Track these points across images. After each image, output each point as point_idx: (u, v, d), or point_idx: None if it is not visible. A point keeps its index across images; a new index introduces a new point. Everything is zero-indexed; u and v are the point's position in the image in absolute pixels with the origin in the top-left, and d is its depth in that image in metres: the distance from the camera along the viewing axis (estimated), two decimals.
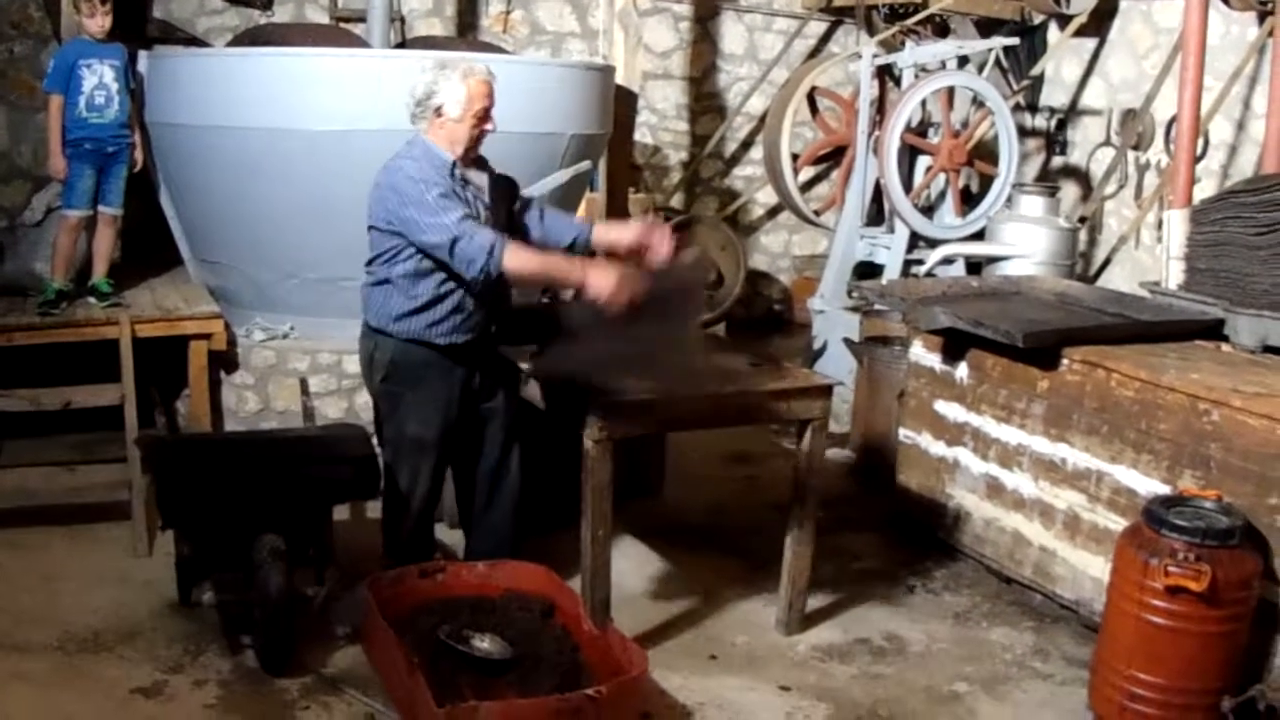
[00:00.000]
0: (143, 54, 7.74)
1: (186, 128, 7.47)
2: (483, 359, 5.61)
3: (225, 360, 7.51)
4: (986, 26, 11.60)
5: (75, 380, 6.98)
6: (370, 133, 6.99)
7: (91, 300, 7.40)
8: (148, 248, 8.40)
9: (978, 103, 10.37)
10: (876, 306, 8.49)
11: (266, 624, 5.33)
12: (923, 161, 10.18)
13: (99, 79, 7.25)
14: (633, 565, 6.43)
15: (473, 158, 5.53)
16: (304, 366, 7.56)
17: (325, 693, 5.22)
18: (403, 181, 5.27)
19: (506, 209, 5.67)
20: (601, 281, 5.08)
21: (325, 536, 5.91)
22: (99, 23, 7.21)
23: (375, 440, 5.93)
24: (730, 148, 12.84)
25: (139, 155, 7.56)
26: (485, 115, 5.40)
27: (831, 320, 9.79)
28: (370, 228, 5.50)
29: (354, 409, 7.48)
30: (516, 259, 5.20)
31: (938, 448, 6.83)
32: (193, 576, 5.87)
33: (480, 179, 5.58)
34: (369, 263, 5.55)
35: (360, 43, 9.08)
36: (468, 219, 5.20)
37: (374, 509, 6.12)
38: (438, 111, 5.35)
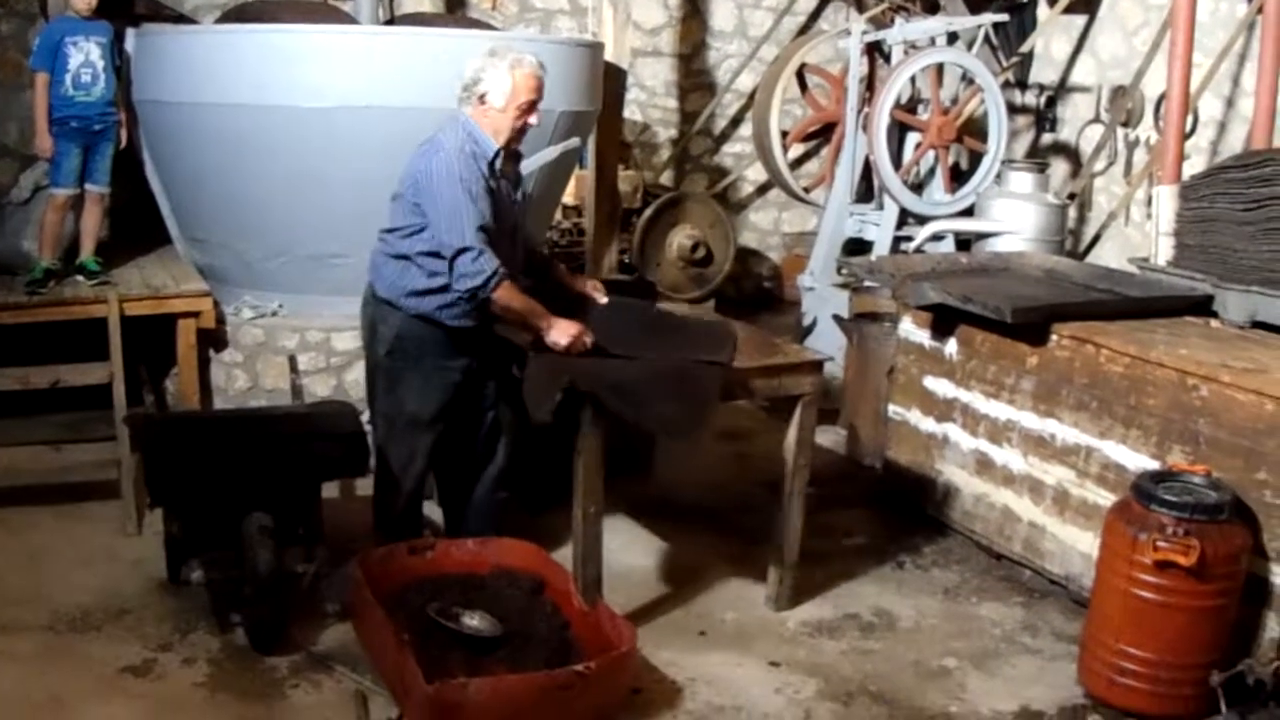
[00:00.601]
0: (130, 32, 7.71)
1: (174, 105, 7.46)
2: (484, 341, 5.60)
3: (214, 338, 7.50)
4: (976, 3, 11.56)
5: (64, 359, 6.96)
6: (358, 109, 7.00)
7: (80, 279, 7.37)
8: (136, 226, 8.37)
9: (967, 79, 10.35)
10: (866, 283, 8.48)
11: (256, 602, 5.33)
12: (912, 138, 10.14)
13: (85, 56, 7.22)
14: (623, 542, 6.43)
15: (514, 149, 5.53)
16: (293, 344, 7.55)
17: (315, 670, 5.22)
18: (440, 167, 5.25)
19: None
20: (560, 335, 5.23)
21: (314, 514, 5.90)
22: (86, 0, 7.18)
23: (365, 417, 5.93)
24: (720, 125, 12.81)
25: (125, 133, 7.53)
26: (530, 108, 5.38)
27: (821, 297, 9.78)
28: (395, 196, 5.49)
29: (343, 386, 7.47)
30: (506, 294, 5.26)
31: (927, 424, 6.84)
32: (182, 555, 5.85)
33: (512, 168, 5.59)
34: (387, 231, 5.54)
35: (349, 19, 9.05)
36: (483, 232, 5.19)
37: (364, 486, 6.14)
38: (482, 99, 5.32)
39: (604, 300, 5.69)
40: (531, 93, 5.32)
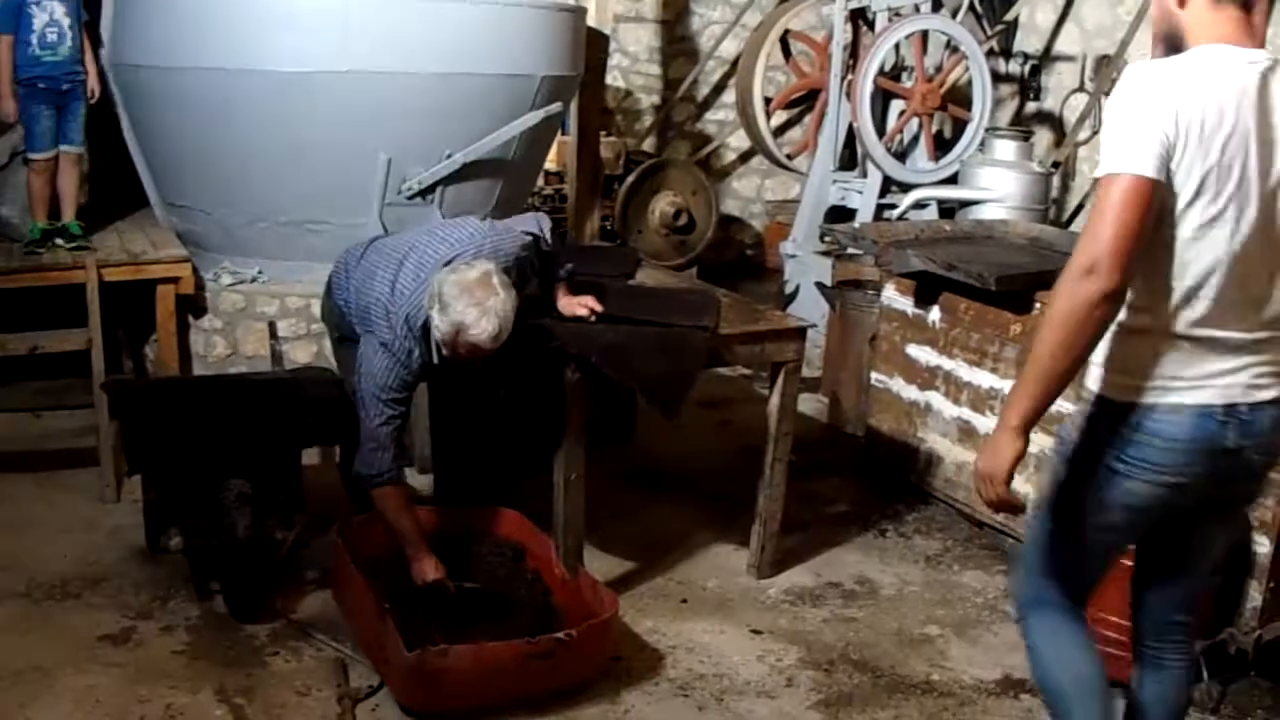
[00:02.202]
0: None
1: (153, 69, 7.38)
2: None
3: (193, 304, 7.44)
4: None
5: (42, 325, 6.91)
6: (338, 74, 6.96)
7: (59, 241, 7.31)
8: (115, 192, 8.31)
9: (951, 47, 10.31)
10: (849, 250, 8.46)
11: (235, 569, 5.31)
12: (896, 106, 10.13)
13: (50, 16, 7.13)
14: (605, 510, 6.41)
15: None
16: (272, 310, 7.50)
17: (294, 638, 5.19)
18: (380, 354, 5.02)
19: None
20: (417, 574, 5.07)
21: (294, 480, 5.87)
22: None
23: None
24: (703, 92, 12.79)
25: (95, 85, 7.44)
26: (464, 358, 4.91)
27: (804, 265, 9.77)
28: (364, 272, 5.22)
29: (323, 353, 7.43)
30: (384, 502, 5.10)
31: (910, 392, 6.81)
32: (161, 522, 5.83)
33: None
34: (360, 260, 5.34)
35: None
36: (391, 425, 5.05)
37: None
38: (430, 312, 4.82)
39: (593, 319, 5.54)
40: (467, 354, 4.85)
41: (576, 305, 5.51)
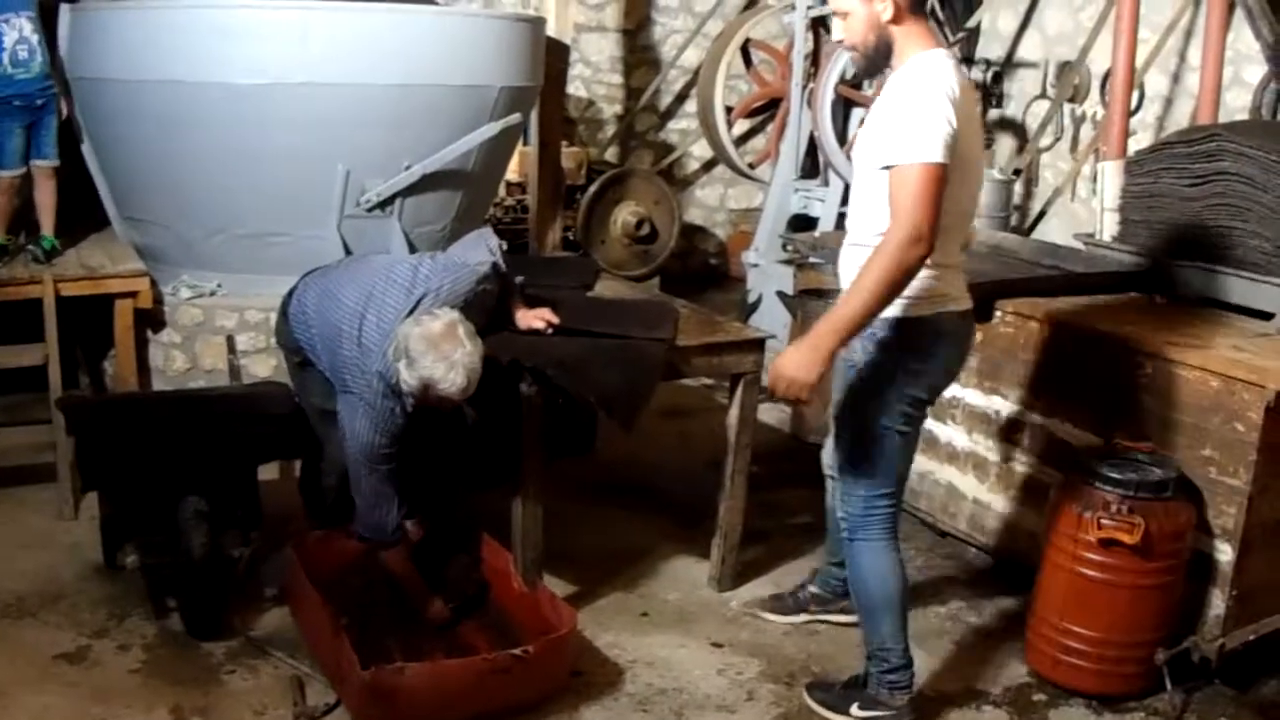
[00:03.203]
0: (64, 7, 7.57)
1: (110, 82, 7.33)
2: None
3: (152, 319, 7.39)
4: None
5: None
6: (295, 86, 6.91)
7: (31, 248, 7.32)
8: (74, 206, 8.25)
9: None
10: (810, 259, 8.43)
11: (191, 587, 5.28)
12: (857, 114, 10.13)
13: (19, 33, 7.08)
14: (565, 523, 6.38)
15: None
16: (231, 324, 7.46)
17: (252, 656, 5.15)
18: (362, 390, 4.97)
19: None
20: (435, 613, 5.24)
21: (251, 497, 5.82)
22: None
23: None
24: (665, 101, 12.78)
25: (65, 103, 7.41)
26: (432, 404, 4.91)
27: (766, 274, 9.75)
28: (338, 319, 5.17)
29: (282, 367, 7.36)
30: (394, 561, 5.22)
31: None
32: (117, 539, 5.78)
33: None
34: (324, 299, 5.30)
35: None
36: (388, 480, 5.04)
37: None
38: (398, 365, 4.80)
39: (550, 332, 5.52)
40: (437, 404, 4.88)
41: (533, 319, 5.50)
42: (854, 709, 4.86)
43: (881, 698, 4.82)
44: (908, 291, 4.26)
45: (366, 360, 4.93)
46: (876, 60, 4.39)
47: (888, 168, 4.19)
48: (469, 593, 5.42)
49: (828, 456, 5.30)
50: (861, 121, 9.88)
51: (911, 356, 4.47)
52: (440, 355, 4.67)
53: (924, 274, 4.26)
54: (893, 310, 4.33)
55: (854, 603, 4.92)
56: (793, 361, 4.26)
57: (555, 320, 5.48)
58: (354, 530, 5.21)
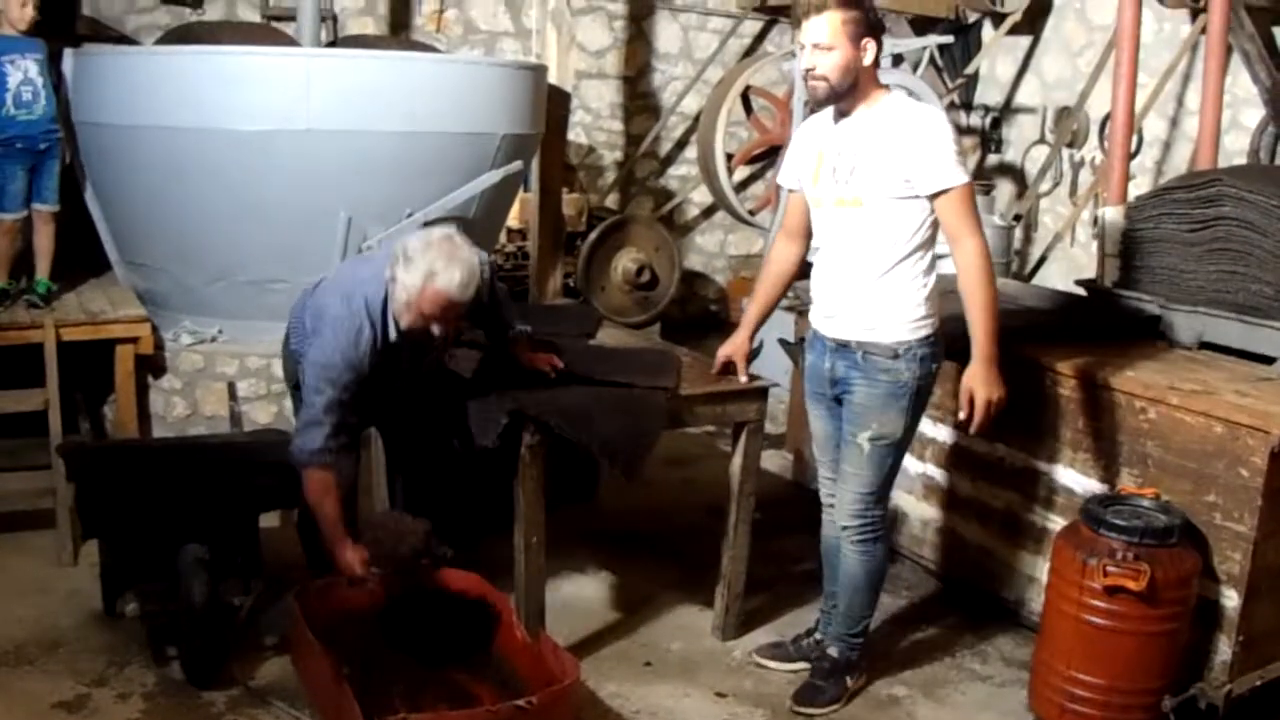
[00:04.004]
0: (68, 52, 7.60)
1: (113, 127, 7.36)
2: (406, 394, 5.49)
3: (152, 364, 7.40)
4: (921, 25, 11.60)
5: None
6: (298, 133, 6.93)
7: (32, 296, 7.31)
8: (75, 250, 8.26)
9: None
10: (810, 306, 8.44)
11: (191, 635, 5.24)
12: None
13: (24, 74, 7.11)
14: (567, 571, 6.37)
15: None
16: (232, 370, 7.46)
17: (252, 705, 5.11)
18: (331, 330, 5.00)
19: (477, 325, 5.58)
20: (344, 562, 5.02)
21: (252, 545, 5.81)
22: (27, 14, 7.08)
23: None
24: (665, 147, 12.80)
25: (67, 148, 7.44)
26: (429, 321, 4.95)
27: (767, 320, 9.73)
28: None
29: (283, 413, 7.39)
30: (312, 486, 5.03)
31: None
32: (117, 587, 5.76)
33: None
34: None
35: (291, 41, 8.99)
36: (330, 406, 4.95)
37: None
38: (393, 277, 4.92)
39: (554, 376, 5.51)
40: (435, 310, 4.89)
41: (540, 361, 5.49)
42: (848, 681, 5.36)
43: (854, 661, 5.37)
44: (928, 309, 4.89)
45: (354, 291, 5.03)
46: (840, 97, 4.76)
47: (940, 192, 4.65)
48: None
49: (826, 487, 5.41)
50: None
51: (936, 364, 4.98)
52: (440, 253, 4.81)
53: (935, 289, 4.86)
54: (927, 329, 4.90)
55: (848, 592, 5.29)
56: (989, 383, 4.81)
57: (560, 364, 5.48)
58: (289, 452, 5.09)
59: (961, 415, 4.84)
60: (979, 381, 4.78)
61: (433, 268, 4.78)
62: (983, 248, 4.71)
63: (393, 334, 5.04)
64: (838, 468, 5.20)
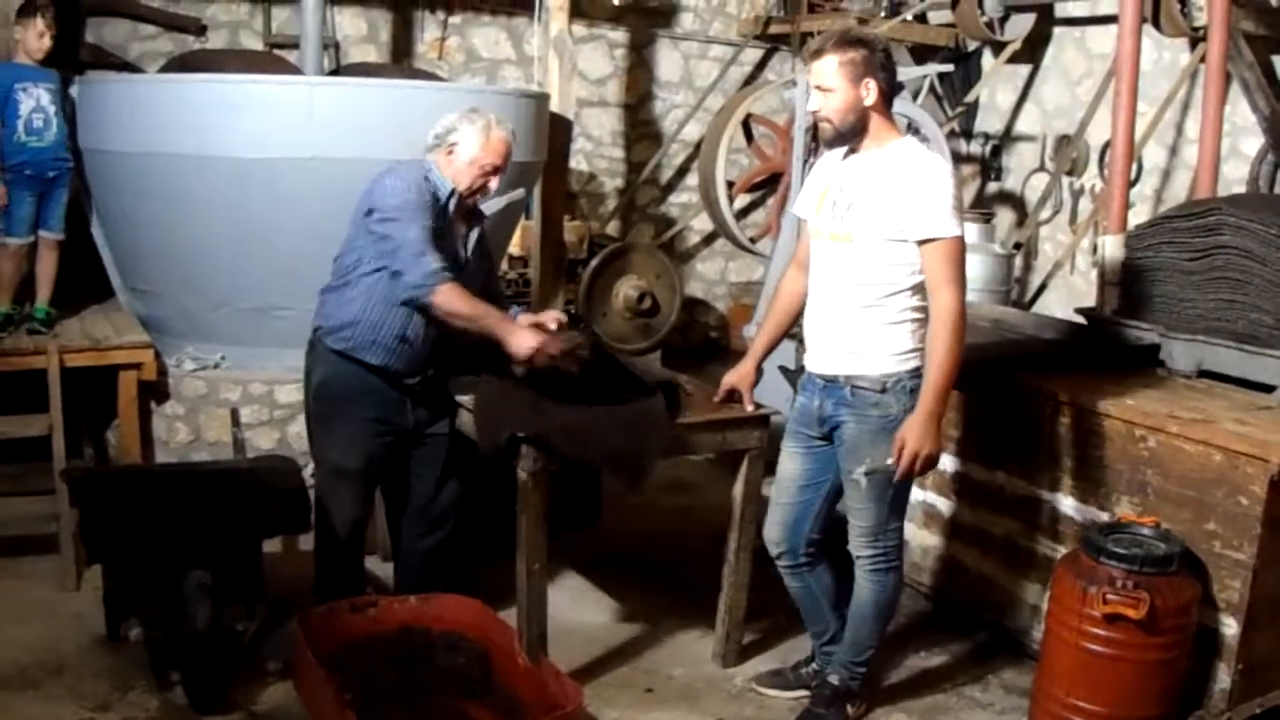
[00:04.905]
0: (75, 79, 7.64)
1: (117, 154, 7.38)
2: (419, 391, 5.54)
3: (155, 390, 7.40)
4: (921, 53, 11.64)
5: (1, 411, 6.87)
6: (301, 161, 6.94)
7: (32, 323, 7.33)
8: (78, 277, 8.28)
9: (913, 129, 10.37)
10: None
11: (195, 660, 5.25)
12: None
13: (36, 102, 7.15)
14: (569, 597, 6.39)
15: (472, 206, 5.52)
16: (235, 397, 7.47)
17: None
18: (397, 181, 5.27)
19: (481, 263, 5.71)
20: (522, 343, 5.15)
21: (255, 571, 5.82)
22: (45, 44, 7.13)
23: (309, 471, 5.88)
24: (666, 175, 12.83)
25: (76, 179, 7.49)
26: (494, 171, 5.41)
27: (774, 350, 9.74)
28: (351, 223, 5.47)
29: (286, 440, 7.39)
30: (450, 296, 5.14)
31: None
32: (121, 611, 5.78)
33: (463, 227, 5.56)
34: (336, 261, 5.54)
35: (294, 70, 9.02)
36: (428, 235, 5.16)
37: (306, 542, 6.07)
38: (450, 149, 5.34)
39: (554, 326, 5.60)
40: (499, 158, 5.37)
41: (542, 318, 5.67)
42: (849, 710, 5.38)
43: (855, 690, 5.40)
44: (916, 342, 4.89)
45: (400, 168, 5.39)
46: (847, 137, 4.85)
47: (927, 240, 4.67)
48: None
49: (776, 533, 5.45)
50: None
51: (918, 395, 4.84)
52: (484, 113, 5.44)
53: (924, 327, 4.87)
54: (916, 361, 4.89)
55: (856, 620, 5.33)
56: (921, 437, 4.72)
57: (564, 320, 5.69)
58: (402, 294, 5.24)
59: (889, 462, 4.82)
60: (914, 434, 4.74)
61: (490, 118, 5.38)
62: (958, 304, 4.69)
63: (444, 191, 5.36)
64: (790, 513, 5.36)
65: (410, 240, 5.12)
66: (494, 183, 5.43)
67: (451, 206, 5.37)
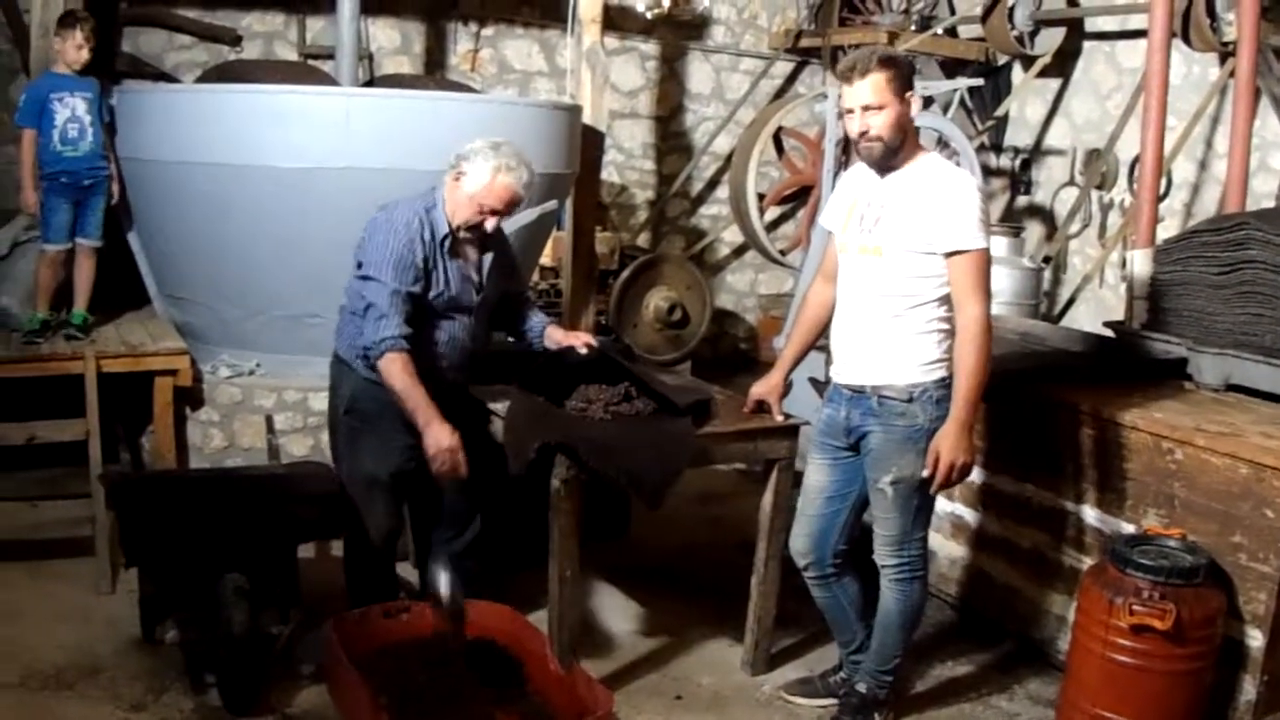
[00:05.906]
0: (114, 89, 7.72)
1: (154, 163, 7.46)
2: (447, 401, 5.57)
3: (191, 396, 7.48)
4: (951, 67, 11.67)
5: (39, 415, 6.94)
6: (337, 170, 7.00)
7: (69, 329, 7.41)
8: (115, 283, 8.35)
9: (943, 143, 10.39)
10: None
11: (230, 663, 5.30)
12: None
13: (71, 112, 7.24)
14: (599, 606, 6.43)
15: (482, 233, 5.48)
16: (270, 403, 7.53)
17: None
18: (383, 227, 5.32)
19: (500, 283, 5.72)
20: (439, 439, 5.13)
21: (290, 575, 5.86)
22: (83, 56, 7.23)
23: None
24: (696, 187, 12.86)
25: (116, 187, 7.55)
26: (491, 213, 5.34)
27: (802, 361, 9.77)
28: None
29: (320, 446, 7.44)
30: (391, 368, 5.17)
31: None
32: (156, 614, 5.83)
33: (475, 253, 5.57)
34: (349, 286, 5.53)
35: (329, 80, 9.09)
36: (398, 299, 5.20)
37: (339, 547, 6.09)
38: (458, 176, 5.34)
39: (584, 351, 5.67)
40: (499, 203, 5.31)
41: (573, 338, 5.75)
42: (876, 718, 5.42)
43: (882, 698, 5.42)
44: (942, 352, 4.91)
45: (393, 212, 5.42)
46: (894, 154, 4.86)
47: (954, 253, 4.73)
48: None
49: (803, 544, 5.48)
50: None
51: (948, 406, 4.87)
52: (509, 151, 5.35)
53: (950, 337, 4.89)
54: (942, 371, 4.91)
55: (882, 629, 5.35)
56: (955, 447, 4.79)
57: (594, 344, 5.73)
58: (357, 353, 5.37)
59: (925, 473, 4.87)
60: (947, 444, 4.80)
61: (503, 161, 5.26)
62: (984, 317, 4.73)
63: (440, 231, 5.36)
64: (817, 525, 5.39)
65: (379, 303, 5.18)
66: (490, 223, 5.38)
67: (447, 245, 5.39)
